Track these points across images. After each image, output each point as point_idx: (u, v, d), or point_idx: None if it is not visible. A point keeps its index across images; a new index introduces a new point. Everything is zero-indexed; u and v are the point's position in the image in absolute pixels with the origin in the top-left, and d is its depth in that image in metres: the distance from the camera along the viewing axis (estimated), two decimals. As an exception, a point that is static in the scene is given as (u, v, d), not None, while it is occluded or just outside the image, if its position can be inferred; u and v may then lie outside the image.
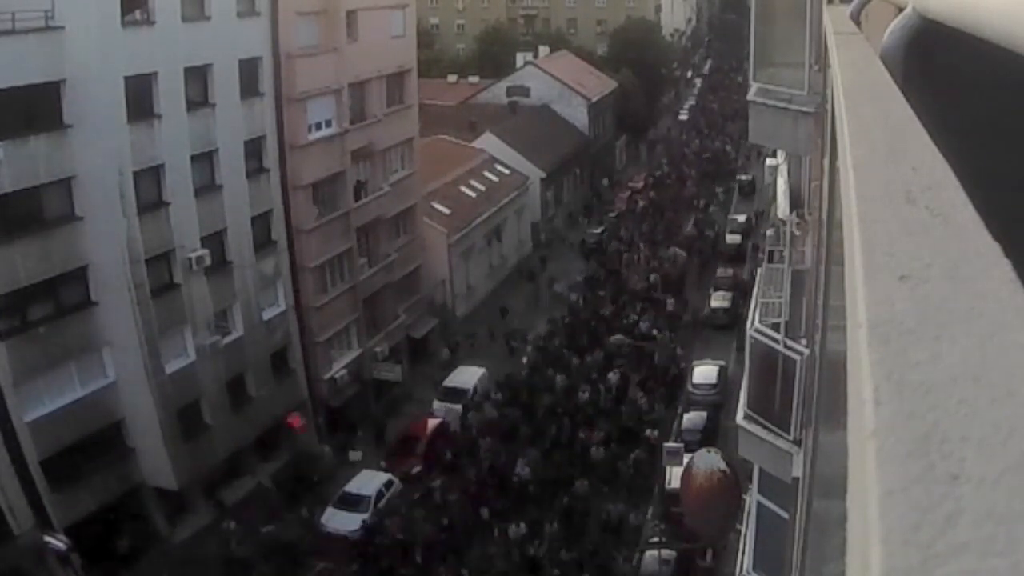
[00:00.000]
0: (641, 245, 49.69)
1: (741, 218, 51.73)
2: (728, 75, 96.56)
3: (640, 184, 61.33)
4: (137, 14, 24.40)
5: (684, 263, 45.64)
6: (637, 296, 42.77)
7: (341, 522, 27.04)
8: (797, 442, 10.15)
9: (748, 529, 13.70)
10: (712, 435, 28.80)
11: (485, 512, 27.18)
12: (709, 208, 57.21)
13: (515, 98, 56.94)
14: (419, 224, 38.84)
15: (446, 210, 41.36)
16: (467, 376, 35.08)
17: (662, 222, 54.16)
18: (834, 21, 4.19)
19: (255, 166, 29.15)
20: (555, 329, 39.86)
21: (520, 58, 63.22)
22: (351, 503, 27.62)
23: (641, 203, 57.48)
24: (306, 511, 27.69)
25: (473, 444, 31.14)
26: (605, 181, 62.94)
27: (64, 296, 23.82)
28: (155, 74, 24.74)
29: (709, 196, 59.26)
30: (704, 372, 33.85)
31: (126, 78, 23.66)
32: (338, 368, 33.05)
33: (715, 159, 68.67)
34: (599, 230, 52.72)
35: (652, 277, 44.58)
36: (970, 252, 0.94)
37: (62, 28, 22.31)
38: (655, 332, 38.73)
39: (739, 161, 68.01)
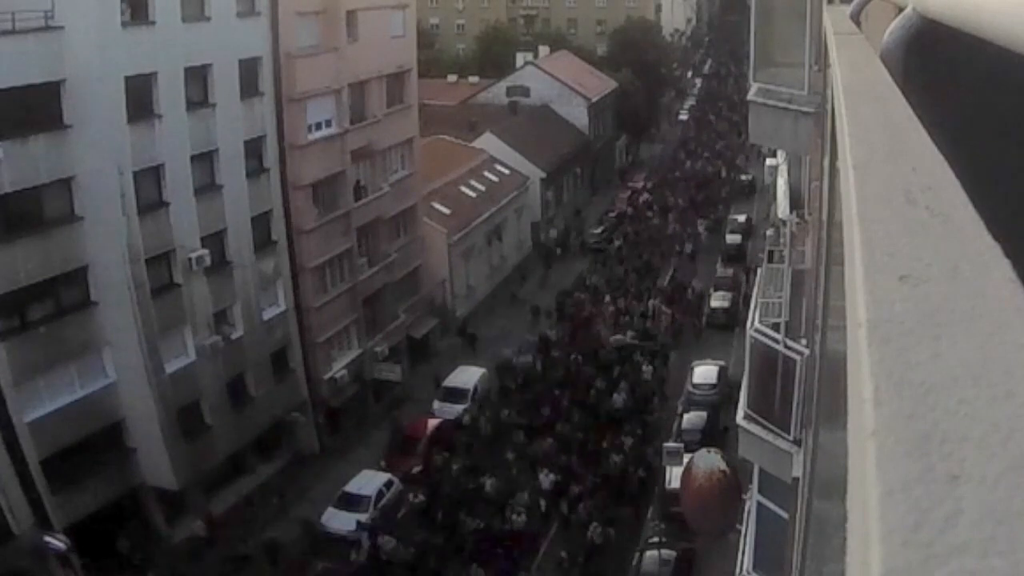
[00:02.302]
0: (609, 298, 42.40)
1: (741, 218, 51.74)
2: (725, 80, 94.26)
3: (640, 184, 61.30)
4: (136, 14, 24.39)
5: (669, 324, 39.52)
6: (604, 365, 36.04)
7: (341, 522, 27.03)
8: (797, 442, 10.16)
9: (748, 529, 13.70)
10: (712, 435, 28.80)
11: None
12: (692, 255, 48.87)
13: (515, 98, 56.95)
14: (419, 224, 38.84)
15: (446, 210, 41.37)
16: (467, 376, 35.09)
17: (639, 263, 47.44)
18: (834, 21, 4.19)
19: (255, 166, 29.15)
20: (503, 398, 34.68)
21: (520, 58, 63.24)
22: (351, 503, 27.62)
23: (617, 242, 50.96)
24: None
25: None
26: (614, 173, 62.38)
27: (64, 296, 23.81)
28: (155, 74, 24.74)
29: (693, 237, 50.98)
30: (704, 372, 33.85)
31: (126, 78, 23.66)
32: (338, 368, 33.05)
33: (707, 182, 62.06)
34: (599, 230, 52.73)
35: (630, 334, 38.58)
36: (970, 252, 0.94)
37: (62, 28, 22.30)
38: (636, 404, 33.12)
39: (733, 184, 61.78)
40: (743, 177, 61.87)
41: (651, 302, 41.83)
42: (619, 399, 33.13)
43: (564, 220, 54.19)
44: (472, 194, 44.36)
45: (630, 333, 38.58)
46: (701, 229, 52.47)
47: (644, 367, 35.51)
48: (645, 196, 58.91)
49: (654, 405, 33.50)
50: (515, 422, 32.10)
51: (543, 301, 42.89)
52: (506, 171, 48.34)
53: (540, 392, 34.31)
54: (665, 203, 57.72)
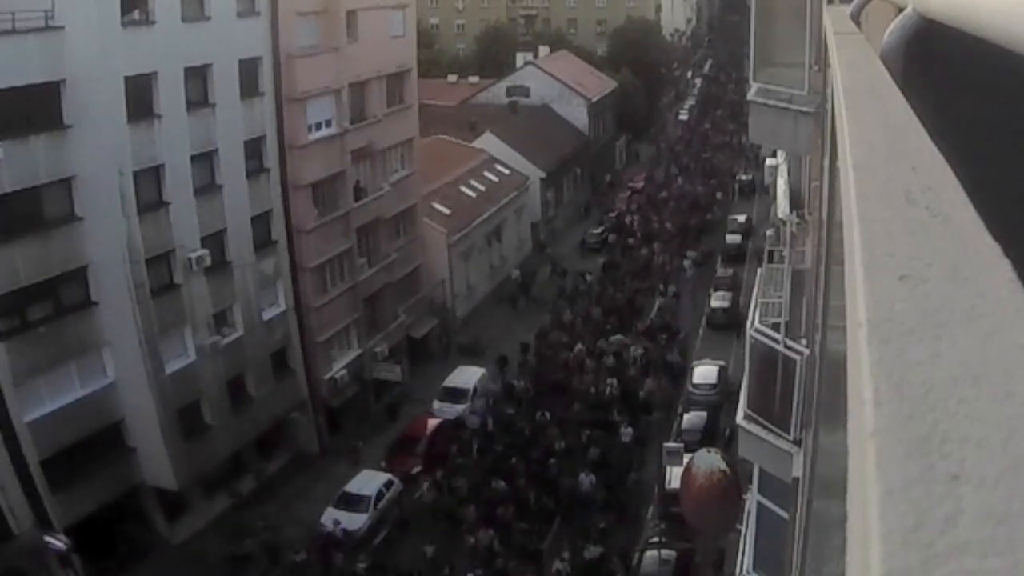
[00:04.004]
0: (582, 346, 36.56)
1: (741, 218, 51.76)
2: (725, 86, 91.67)
3: (640, 184, 61.26)
4: (136, 14, 24.40)
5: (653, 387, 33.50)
6: (572, 427, 30.86)
7: (341, 522, 27.00)
8: (797, 442, 10.16)
9: (748, 529, 13.70)
10: (712, 435, 28.81)
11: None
12: (677, 294, 42.66)
13: (515, 98, 56.96)
14: (419, 224, 38.84)
15: (446, 210, 41.37)
16: (467, 376, 35.08)
17: (620, 300, 41.85)
18: (834, 21, 4.19)
19: (255, 166, 29.14)
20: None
21: (520, 58, 63.23)
22: (351, 503, 27.62)
23: (588, 277, 45.34)
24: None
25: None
26: (608, 177, 60.94)
27: (64, 296, 23.82)
28: (155, 74, 24.74)
29: (677, 272, 45.35)
30: (704, 372, 33.84)
31: (126, 78, 23.65)
32: (338, 368, 33.05)
33: (697, 205, 56.09)
34: (599, 230, 52.73)
35: (609, 385, 33.37)
36: (970, 252, 0.94)
37: (62, 28, 22.30)
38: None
39: (727, 207, 55.89)
40: (743, 177, 61.81)
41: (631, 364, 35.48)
42: (586, 481, 27.67)
43: (564, 220, 54.23)
44: (472, 194, 44.36)
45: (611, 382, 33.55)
46: (687, 264, 46.14)
47: (623, 428, 30.47)
48: (630, 217, 53.91)
49: (628, 484, 28.21)
50: (447, 505, 27.48)
51: (512, 343, 37.91)
52: (506, 171, 48.35)
53: (486, 466, 29.21)
54: (651, 229, 51.71)
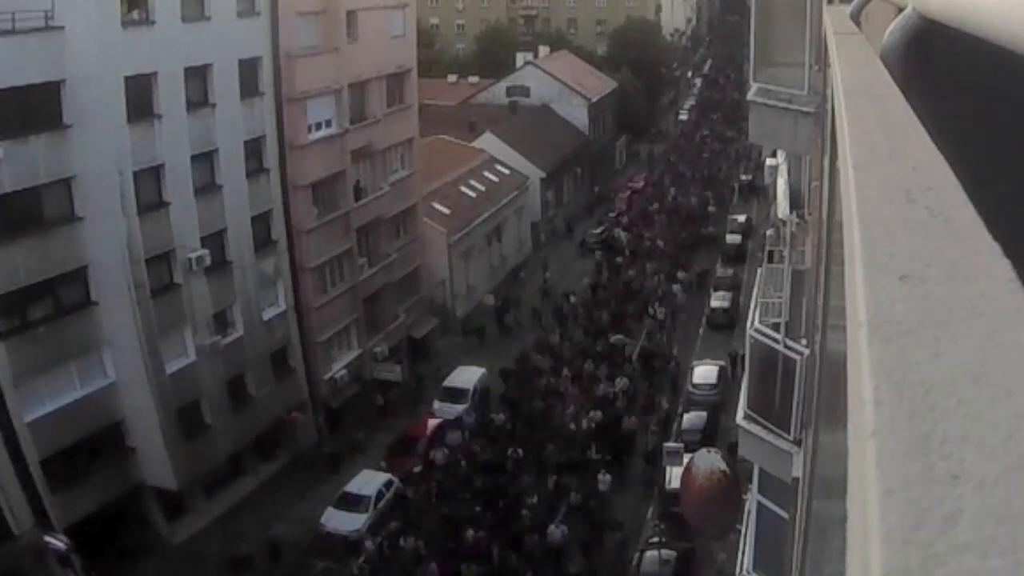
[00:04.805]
0: (565, 386, 33.53)
1: (741, 218, 51.77)
2: (724, 89, 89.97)
3: (640, 184, 61.24)
4: (136, 14, 24.41)
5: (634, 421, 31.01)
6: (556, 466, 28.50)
7: (341, 522, 27.03)
8: (797, 442, 10.16)
9: (748, 529, 13.70)
10: (712, 435, 28.79)
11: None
12: (662, 323, 39.20)
13: (515, 98, 56.98)
14: (419, 224, 38.84)
15: (446, 210, 41.37)
16: (467, 376, 35.07)
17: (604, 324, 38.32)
18: (834, 21, 4.20)
19: (255, 166, 29.15)
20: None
21: (520, 58, 63.23)
22: (351, 503, 27.62)
23: (572, 298, 42.06)
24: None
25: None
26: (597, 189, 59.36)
27: (64, 296, 23.82)
28: (155, 74, 24.74)
29: (668, 298, 41.57)
30: (704, 372, 33.85)
31: (126, 78, 23.66)
32: (338, 368, 33.06)
33: (691, 218, 52.98)
34: (599, 229, 52.73)
35: (588, 418, 30.67)
36: (970, 252, 0.94)
37: (62, 28, 22.30)
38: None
39: (720, 221, 52.32)
40: (743, 177, 61.79)
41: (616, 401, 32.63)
42: (557, 533, 25.50)
43: (564, 220, 54.20)
44: (472, 194, 44.37)
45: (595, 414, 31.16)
46: (677, 289, 42.44)
47: (601, 476, 27.65)
48: (619, 232, 50.90)
49: (607, 543, 25.77)
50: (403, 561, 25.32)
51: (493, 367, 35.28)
52: (506, 171, 48.36)
53: (448, 515, 26.72)
54: (640, 246, 48.68)
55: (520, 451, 29.34)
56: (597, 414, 31.04)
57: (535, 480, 28.02)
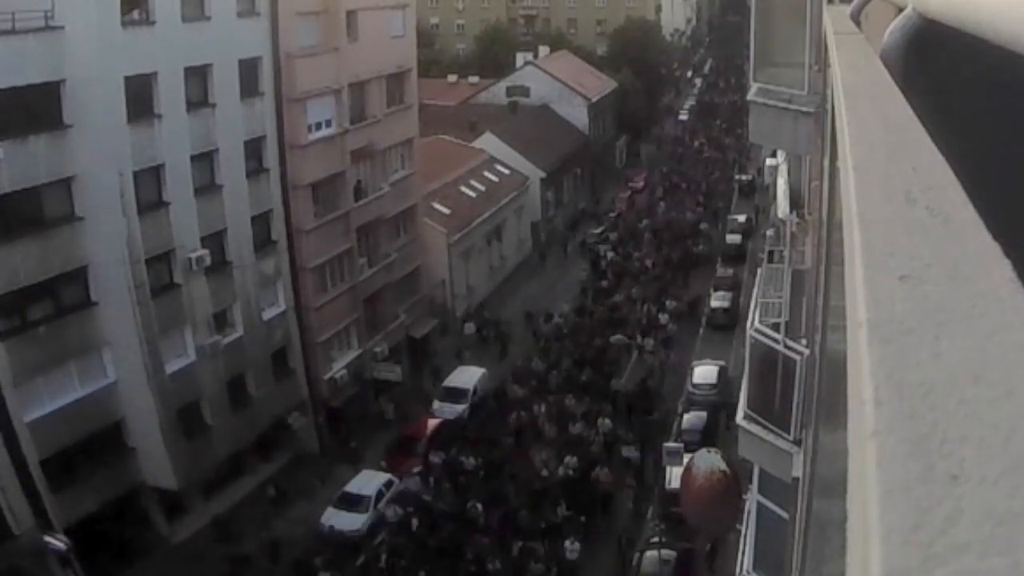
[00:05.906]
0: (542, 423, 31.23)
1: (741, 218, 51.77)
2: (724, 93, 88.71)
3: (640, 184, 61.20)
4: (136, 14, 24.40)
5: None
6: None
7: (341, 522, 27.04)
8: (797, 442, 10.16)
9: (748, 529, 13.71)
10: (712, 435, 28.79)
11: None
12: (652, 351, 36.32)
13: (515, 98, 56.97)
14: (419, 224, 38.84)
15: (446, 210, 41.37)
16: (467, 376, 35.08)
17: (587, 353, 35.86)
18: (834, 21, 4.20)
19: (255, 166, 29.15)
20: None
21: (520, 58, 63.25)
22: (351, 503, 27.63)
23: (557, 319, 39.91)
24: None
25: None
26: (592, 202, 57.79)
27: (64, 296, 23.82)
28: (155, 74, 24.74)
29: (654, 326, 38.77)
30: (704, 372, 33.85)
31: (126, 78, 23.65)
32: (338, 368, 33.05)
33: (683, 235, 50.08)
34: (599, 230, 52.70)
35: (565, 464, 28.33)
36: (970, 252, 0.94)
37: (62, 28, 22.30)
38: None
39: (715, 237, 50.08)
40: (743, 177, 61.76)
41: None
42: None
43: (563, 220, 54.17)
44: (472, 194, 44.37)
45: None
46: (665, 319, 39.44)
47: (569, 544, 24.93)
48: (608, 251, 48.61)
49: None
50: None
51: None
52: (506, 171, 48.36)
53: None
54: (629, 267, 46.27)
55: (480, 506, 26.56)
56: (572, 460, 28.40)
57: (497, 542, 25.22)
